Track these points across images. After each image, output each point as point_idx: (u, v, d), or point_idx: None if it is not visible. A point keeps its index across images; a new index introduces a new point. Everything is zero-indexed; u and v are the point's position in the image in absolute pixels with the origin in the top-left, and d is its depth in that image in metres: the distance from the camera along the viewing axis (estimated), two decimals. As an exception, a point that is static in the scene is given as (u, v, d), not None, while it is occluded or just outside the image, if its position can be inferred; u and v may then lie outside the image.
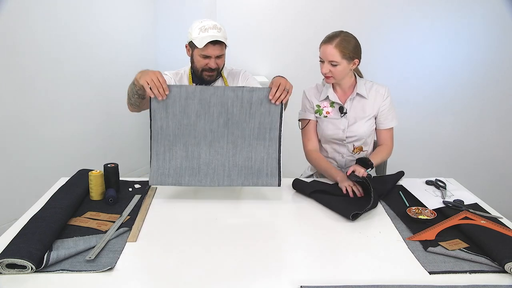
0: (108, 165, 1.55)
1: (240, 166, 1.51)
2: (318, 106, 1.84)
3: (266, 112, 1.50)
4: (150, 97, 1.44)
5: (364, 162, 1.65)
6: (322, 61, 1.73)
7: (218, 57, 1.77)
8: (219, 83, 1.93)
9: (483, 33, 2.88)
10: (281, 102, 1.51)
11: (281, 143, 1.53)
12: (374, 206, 1.46)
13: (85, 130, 3.08)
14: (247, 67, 3.27)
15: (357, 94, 1.80)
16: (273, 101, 1.49)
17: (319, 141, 1.91)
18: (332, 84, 1.83)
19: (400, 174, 1.77)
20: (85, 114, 3.06)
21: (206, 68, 1.79)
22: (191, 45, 1.79)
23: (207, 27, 1.72)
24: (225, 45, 1.77)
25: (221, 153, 1.50)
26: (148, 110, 1.47)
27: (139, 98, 1.64)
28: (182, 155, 1.48)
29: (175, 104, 1.45)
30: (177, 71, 1.93)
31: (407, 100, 3.08)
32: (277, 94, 1.49)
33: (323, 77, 1.86)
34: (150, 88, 1.43)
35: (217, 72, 1.84)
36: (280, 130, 1.53)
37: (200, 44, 1.71)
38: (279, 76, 1.58)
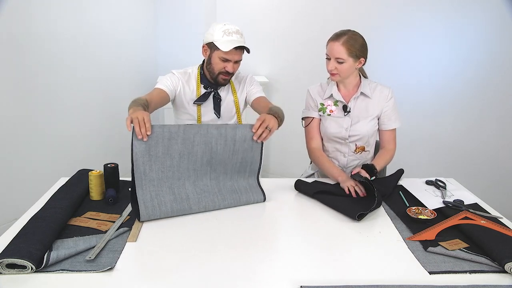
0: (108, 165, 1.55)
1: (228, 199, 1.49)
2: (322, 104, 1.84)
3: (249, 148, 1.50)
4: (132, 142, 1.35)
5: (370, 169, 1.65)
6: (328, 58, 1.74)
7: (236, 62, 1.78)
8: (226, 87, 1.94)
9: (483, 33, 2.88)
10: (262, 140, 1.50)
11: (260, 170, 1.58)
12: (379, 205, 1.46)
13: (85, 130, 3.08)
14: (247, 67, 3.28)
15: (361, 93, 1.81)
16: (254, 138, 1.48)
17: (321, 139, 1.91)
18: (337, 82, 1.83)
19: (400, 172, 1.77)
20: (85, 114, 3.06)
21: (223, 72, 1.80)
22: (210, 46, 1.79)
23: (231, 31, 1.73)
24: (244, 51, 1.79)
25: (207, 190, 1.47)
26: (130, 156, 1.38)
27: None
28: (171, 198, 1.41)
29: (157, 146, 1.38)
30: (185, 70, 1.92)
31: (407, 100, 3.09)
32: (259, 131, 1.47)
33: (324, 76, 1.86)
34: (133, 125, 1.33)
35: (231, 76, 1.85)
36: (260, 163, 1.56)
37: (225, 47, 1.71)
38: (268, 114, 1.56)
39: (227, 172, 1.52)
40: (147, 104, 1.59)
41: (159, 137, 1.37)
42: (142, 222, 1.35)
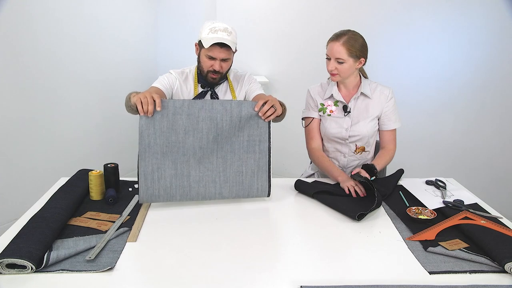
0: (108, 165, 1.55)
1: (231, 181, 1.48)
2: (322, 104, 1.84)
3: (255, 124, 1.49)
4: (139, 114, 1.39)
5: (370, 169, 1.65)
6: (328, 58, 1.73)
7: (224, 60, 1.76)
8: (224, 86, 1.92)
9: (483, 33, 2.88)
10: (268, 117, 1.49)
11: (271, 155, 1.52)
12: (379, 205, 1.46)
13: (85, 130, 3.08)
14: (247, 67, 3.28)
15: (361, 93, 1.81)
16: (260, 114, 1.47)
17: (321, 139, 1.91)
18: (337, 82, 1.83)
19: (400, 172, 1.78)
20: (85, 114, 3.06)
21: (211, 70, 1.78)
22: (199, 44, 1.79)
23: (217, 29, 1.71)
24: (233, 50, 1.77)
25: (211, 168, 1.46)
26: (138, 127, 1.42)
27: (133, 111, 1.61)
28: (171, 173, 1.41)
29: (162, 120, 1.40)
30: (182, 69, 1.92)
31: (407, 100, 3.08)
32: (265, 108, 1.46)
33: (325, 76, 1.86)
34: (142, 106, 1.37)
35: (221, 76, 1.83)
36: (269, 142, 1.51)
37: (206, 44, 1.71)
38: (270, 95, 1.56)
39: (235, 151, 1.48)
40: None
41: (163, 111, 1.39)
42: (142, 222, 1.35)
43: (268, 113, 1.47)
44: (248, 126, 1.48)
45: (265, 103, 1.47)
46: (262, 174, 1.51)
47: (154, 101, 1.39)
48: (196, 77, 1.88)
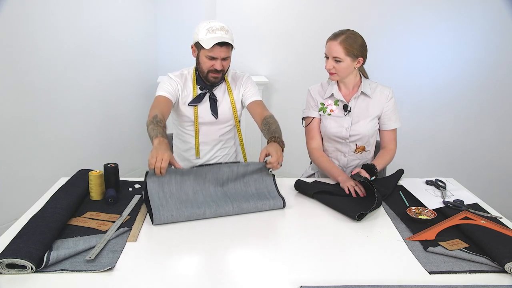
0: (108, 165, 1.55)
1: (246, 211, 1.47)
2: (322, 104, 1.84)
3: (260, 179, 1.55)
4: (145, 178, 1.40)
5: (370, 169, 1.66)
6: (326, 57, 1.74)
7: (224, 59, 1.76)
8: (222, 87, 1.91)
9: (484, 33, 2.88)
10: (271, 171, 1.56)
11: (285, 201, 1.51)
12: (379, 205, 1.46)
13: (85, 130, 3.08)
14: (247, 67, 3.28)
15: (362, 93, 1.81)
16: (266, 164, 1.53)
17: (322, 139, 1.91)
18: (337, 82, 1.83)
19: (400, 172, 1.78)
20: (85, 114, 3.06)
21: (212, 70, 1.78)
22: (197, 46, 1.78)
23: (214, 28, 1.71)
24: (232, 47, 1.77)
25: (228, 214, 1.43)
26: (144, 193, 1.44)
27: None
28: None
29: (171, 183, 1.43)
30: (181, 71, 1.91)
31: (407, 100, 3.09)
32: (273, 165, 1.51)
33: (325, 76, 1.86)
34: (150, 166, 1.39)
35: (222, 74, 1.83)
36: (279, 193, 1.53)
37: (207, 45, 1.70)
38: (274, 142, 1.60)
39: (249, 201, 1.46)
40: (165, 125, 1.62)
41: (172, 176, 1.43)
42: (142, 222, 1.35)
43: (274, 167, 1.52)
44: (253, 180, 1.54)
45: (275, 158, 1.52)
46: (277, 202, 1.50)
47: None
48: (195, 79, 1.88)
